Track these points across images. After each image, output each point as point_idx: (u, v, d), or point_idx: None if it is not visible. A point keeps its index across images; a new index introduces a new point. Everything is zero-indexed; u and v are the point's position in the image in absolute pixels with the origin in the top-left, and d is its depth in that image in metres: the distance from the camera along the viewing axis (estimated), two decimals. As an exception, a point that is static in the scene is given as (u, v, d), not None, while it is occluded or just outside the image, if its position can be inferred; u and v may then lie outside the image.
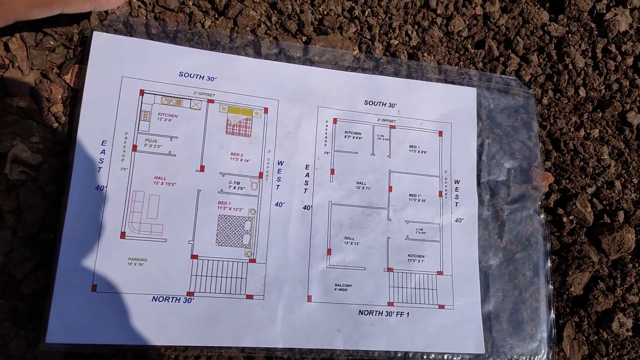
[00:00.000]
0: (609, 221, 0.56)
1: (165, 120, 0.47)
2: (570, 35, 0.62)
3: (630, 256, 0.56)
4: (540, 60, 0.61)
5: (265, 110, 0.50)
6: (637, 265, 0.56)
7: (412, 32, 0.57)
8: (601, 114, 0.61)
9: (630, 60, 0.63)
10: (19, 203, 0.43)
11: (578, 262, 0.53)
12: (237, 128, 0.49)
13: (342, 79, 0.53)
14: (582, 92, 0.61)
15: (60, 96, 0.46)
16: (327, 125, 0.51)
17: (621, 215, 0.57)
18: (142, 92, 0.47)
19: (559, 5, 0.64)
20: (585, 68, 0.62)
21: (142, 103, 0.47)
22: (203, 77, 0.49)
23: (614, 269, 0.56)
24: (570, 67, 0.61)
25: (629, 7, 0.65)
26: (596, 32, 0.63)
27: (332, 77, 0.53)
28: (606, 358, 0.53)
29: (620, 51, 0.63)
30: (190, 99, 0.48)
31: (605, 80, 0.62)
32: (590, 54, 0.62)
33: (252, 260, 0.47)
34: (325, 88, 0.52)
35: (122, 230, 0.44)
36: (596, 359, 0.53)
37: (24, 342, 0.41)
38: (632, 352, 0.54)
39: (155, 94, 0.47)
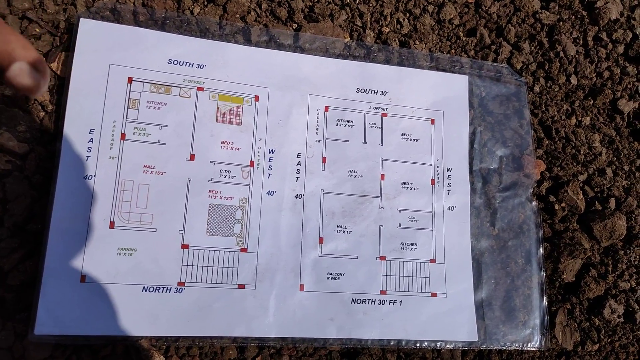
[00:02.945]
0: (600, 208, 0.57)
1: (154, 108, 0.46)
2: (561, 23, 0.62)
3: (621, 243, 0.56)
4: (532, 48, 0.61)
5: (256, 98, 0.49)
6: (628, 252, 0.56)
7: (403, 19, 0.57)
8: (592, 101, 0.61)
9: (621, 48, 0.63)
10: (6, 193, 0.42)
11: (570, 249, 0.53)
12: (228, 116, 0.48)
13: (333, 66, 0.52)
14: (573, 80, 0.61)
15: (46, 84, 0.45)
16: (318, 113, 0.51)
17: (612, 203, 0.57)
18: (130, 80, 0.46)
19: (551, -7, 0.63)
20: (577, 56, 0.61)
21: (130, 91, 0.46)
22: (192, 65, 0.48)
23: (605, 256, 0.56)
24: (562, 54, 0.61)
25: (619, -6, 0.65)
26: (587, 20, 0.63)
27: (323, 64, 0.52)
28: (598, 344, 0.53)
29: (611, 39, 0.63)
30: (180, 87, 0.47)
31: (596, 68, 0.62)
32: (581, 42, 0.62)
33: (244, 250, 0.46)
34: (317, 76, 0.52)
35: (111, 220, 0.43)
36: (588, 345, 0.53)
37: (12, 333, 0.40)
38: (624, 338, 0.54)
39: (143, 82, 0.47)
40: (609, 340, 0.54)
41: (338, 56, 0.53)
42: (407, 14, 0.58)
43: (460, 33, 0.59)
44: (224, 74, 0.49)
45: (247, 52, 0.50)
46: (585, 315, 0.54)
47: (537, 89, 0.59)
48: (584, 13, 0.63)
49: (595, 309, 0.54)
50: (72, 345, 0.42)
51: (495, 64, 0.58)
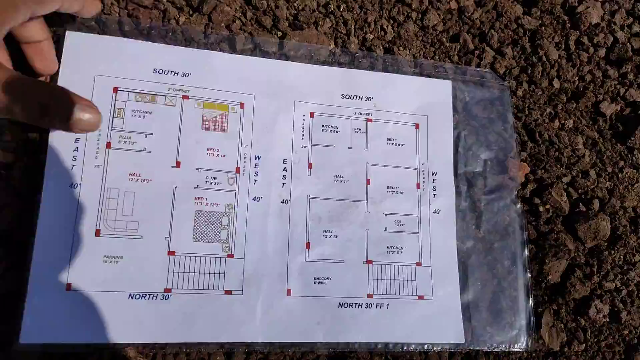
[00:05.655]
0: (584, 210, 0.57)
1: (140, 116, 0.47)
2: (543, 28, 0.63)
3: (605, 244, 0.57)
4: (515, 52, 0.62)
5: (242, 105, 0.50)
6: (612, 252, 0.56)
7: (387, 26, 0.58)
8: (575, 104, 0.62)
9: (602, 52, 0.64)
10: (-9, 203, 0.42)
11: (555, 250, 0.54)
12: (213, 123, 0.49)
13: (318, 73, 0.53)
14: (556, 84, 0.62)
15: (32, 94, 0.46)
16: (304, 120, 0.51)
17: (596, 204, 0.58)
18: (115, 90, 0.47)
19: (532, -2, 0.65)
20: (559, 60, 0.62)
21: (115, 100, 0.46)
22: (178, 74, 0.49)
23: (590, 257, 0.56)
24: (544, 59, 0.62)
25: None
26: (569, 25, 0.64)
27: (308, 71, 0.53)
28: (584, 344, 0.54)
29: (593, 43, 0.64)
30: (165, 96, 0.48)
31: (578, 71, 0.63)
32: (563, 46, 0.63)
33: (230, 256, 0.47)
34: (302, 82, 0.52)
35: (97, 228, 0.44)
36: (574, 346, 0.53)
37: (-2, 343, 0.40)
38: (610, 337, 0.54)
39: (129, 92, 0.47)
40: (595, 340, 0.54)
41: (322, 63, 0.54)
42: (391, 21, 0.58)
43: (444, 39, 0.60)
44: (210, 82, 0.49)
45: (232, 60, 0.51)
46: (571, 316, 0.54)
47: (520, 93, 0.60)
48: (566, 18, 0.65)
49: (581, 310, 0.54)
50: (57, 354, 0.42)
51: (478, 69, 0.59)
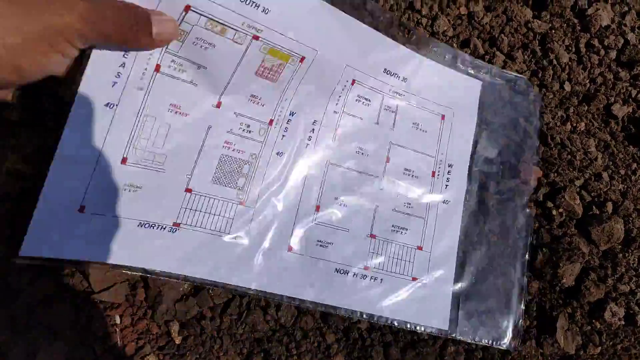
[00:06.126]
0: (597, 212, 0.57)
1: (201, 47, 0.42)
2: (553, 31, 0.63)
3: (620, 246, 0.57)
4: (525, 56, 0.62)
5: (302, 59, 0.47)
6: (627, 255, 0.56)
7: (397, 32, 0.58)
8: (587, 107, 0.62)
9: (613, 54, 0.64)
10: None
11: (568, 253, 0.54)
12: (268, 71, 0.46)
13: (378, 41, 0.51)
14: (567, 87, 0.62)
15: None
16: (345, 85, 0.51)
17: (609, 206, 0.58)
18: (187, 8, 0.39)
19: (542, 2, 0.65)
20: (570, 63, 0.63)
21: (182, 21, 0.40)
22: (258, 6, 0.42)
23: (604, 260, 0.56)
24: (555, 62, 0.62)
25: (610, 1, 0.66)
26: (579, 28, 0.64)
27: (371, 36, 0.50)
28: (600, 347, 0.54)
29: (603, 45, 0.64)
30: (237, 31, 0.42)
31: (589, 74, 0.63)
32: (573, 49, 0.63)
33: (242, 203, 0.47)
34: (360, 47, 0.50)
35: (125, 156, 0.41)
36: (590, 349, 0.53)
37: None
38: (625, 340, 0.54)
39: (201, 15, 0.40)
40: (611, 343, 0.54)
41: (382, 31, 0.51)
42: (401, 27, 0.59)
43: (455, 44, 0.60)
44: (284, 27, 0.45)
45: (312, 6, 0.47)
46: (586, 319, 0.54)
47: (531, 96, 0.60)
48: (576, 21, 0.65)
49: (596, 313, 0.54)
50: (53, 267, 0.41)
51: (513, 74, 0.58)
